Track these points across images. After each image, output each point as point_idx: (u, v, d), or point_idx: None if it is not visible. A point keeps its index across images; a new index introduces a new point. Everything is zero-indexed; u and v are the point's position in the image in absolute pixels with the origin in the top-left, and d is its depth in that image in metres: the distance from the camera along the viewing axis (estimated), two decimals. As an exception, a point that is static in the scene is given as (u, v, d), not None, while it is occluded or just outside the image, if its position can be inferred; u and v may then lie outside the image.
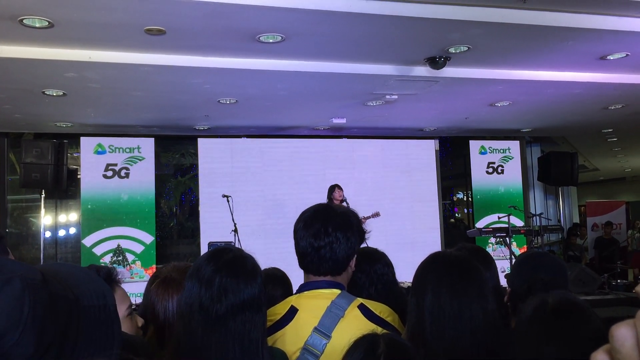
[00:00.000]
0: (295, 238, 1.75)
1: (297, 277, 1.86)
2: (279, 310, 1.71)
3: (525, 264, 2.16)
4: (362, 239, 1.82)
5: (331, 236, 1.68)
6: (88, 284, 0.89)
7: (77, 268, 0.96)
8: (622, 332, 0.49)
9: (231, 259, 1.44)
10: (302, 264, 1.75)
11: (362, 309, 1.70)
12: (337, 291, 1.71)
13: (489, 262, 2.11)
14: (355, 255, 1.79)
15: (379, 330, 1.43)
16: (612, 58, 5.42)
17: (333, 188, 7.06)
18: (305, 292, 1.73)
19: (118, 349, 0.88)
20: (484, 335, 1.48)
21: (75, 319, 0.81)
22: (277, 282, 2.33)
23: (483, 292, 1.55)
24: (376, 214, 7.20)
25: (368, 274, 2.06)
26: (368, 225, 6.94)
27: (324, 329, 1.62)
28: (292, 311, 1.69)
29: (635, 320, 0.49)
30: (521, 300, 1.90)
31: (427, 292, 1.54)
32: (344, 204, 6.71)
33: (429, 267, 1.62)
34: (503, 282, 2.39)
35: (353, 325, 1.60)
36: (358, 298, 1.73)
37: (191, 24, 4.19)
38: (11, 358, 0.69)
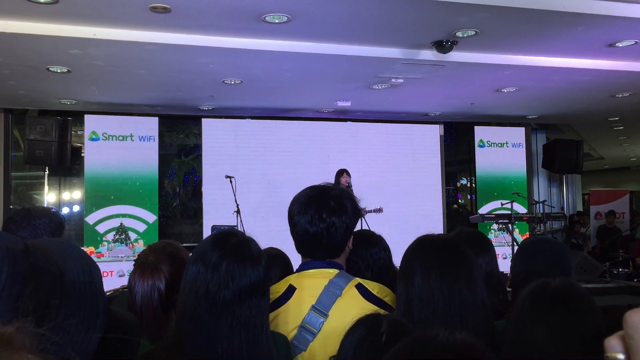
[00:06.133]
0: (290, 223, 1.74)
1: (297, 257, 1.85)
2: (278, 288, 1.71)
3: (526, 251, 2.15)
4: (357, 219, 1.79)
5: (326, 222, 1.67)
6: (75, 260, 0.89)
7: (66, 243, 0.96)
8: (637, 319, 0.49)
9: (237, 244, 1.41)
10: (299, 248, 1.75)
11: (360, 288, 1.70)
12: (336, 271, 1.71)
13: (487, 247, 2.05)
14: (352, 236, 1.78)
15: (376, 309, 1.43)
16: (621, 45, 5.36)
17: (341, 172, 6.96)
18: (304, 272, 1.73)
19: (102, 325, 0.88)
20: (473, 321, 1.47)
21: (58, 293, 0.81)
22: (275, 262, 2.32)
23: (472, 277, 1.53)
24: (379, 210, 7.09)
25: (364, 258, 2.04)
26: (373, 205, 6.96)
27: (322, 308, 1.63)
28: (290, 290, 1.69)
29: None
30: (521, 286, 1.90)
31: (416, 277, 1.52)
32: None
33: (416, 251, 1.59)
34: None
35: (350, 304, 1.61)
36: (356, 278, 1.74)
37: (197, 2, 4.15)
38: None
